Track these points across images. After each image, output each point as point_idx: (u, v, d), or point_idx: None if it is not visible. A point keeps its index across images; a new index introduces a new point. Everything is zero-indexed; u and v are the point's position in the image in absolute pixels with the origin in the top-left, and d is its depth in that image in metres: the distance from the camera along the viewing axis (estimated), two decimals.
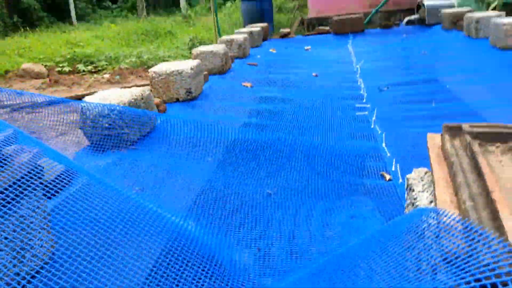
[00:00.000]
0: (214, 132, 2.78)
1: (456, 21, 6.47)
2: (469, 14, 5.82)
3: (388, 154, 2.59)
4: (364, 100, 3.87)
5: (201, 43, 9.77)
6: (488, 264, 0.77)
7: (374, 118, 3.32)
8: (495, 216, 0.90)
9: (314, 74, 5.07)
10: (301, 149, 2.58)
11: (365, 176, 2.29)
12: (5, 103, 2.72)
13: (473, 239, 0.86)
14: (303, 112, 3.62)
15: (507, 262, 0.74)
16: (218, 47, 4.93)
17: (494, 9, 6.45)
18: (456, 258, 0.84)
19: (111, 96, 2.92)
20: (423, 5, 7.46)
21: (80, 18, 17.08)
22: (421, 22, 7.65)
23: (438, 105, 3.61)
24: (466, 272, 0.81)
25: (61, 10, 17.32)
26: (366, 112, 3.51)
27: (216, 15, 8.35)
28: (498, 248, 0.78)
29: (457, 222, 0.94)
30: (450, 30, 6.59)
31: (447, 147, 1.28)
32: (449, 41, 6.12)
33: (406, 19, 7.97)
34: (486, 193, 0.99)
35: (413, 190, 1.29)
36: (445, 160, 1.28)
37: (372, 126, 3.15)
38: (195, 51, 4.88)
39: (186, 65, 3.82)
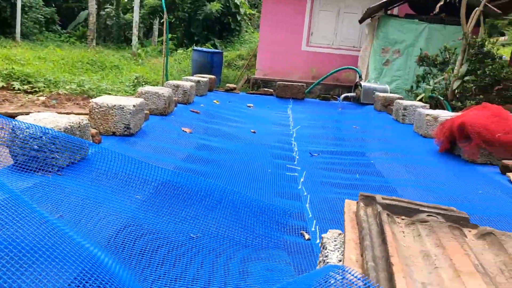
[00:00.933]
0: (145, 170, 2.78)
1: (387, 105, 7.05)
2: (399, 101, 6.38)
3: (310, 215, 2.72)
4: (296, 162, 4.06)
5: (147, 83, 9.81)
6: None
7: (302, 179, 3.49)
8: (390, 277, 1.02)
9: (252, 130, 5.25)
10: (229, 199, 2.65)
11: (286, 233, 2.39)
12: None
13: None
14: (237, 165, 3.72)
15: None
16: (163, 90, 5.00)
17: (421, 100, 7.13)
18: None
19: (47, 119, 2.86)
20: (360, 85, 8.08)
21: (25, 36, 16.54)
22: (356, 100, 8.24)
23: (362, 177, 3.87)
24: None
25: (6, 25, 16.72)
26: (296, 174, 3.68)
27: (167, 59, 8.48)
28: None
29: (358, 279, 1.04)
30: (381, 112, 7.15)
31: (360, 213, 1.41)
32: (379, 122, 6.63)
33: (343, 95, 8.55)
34: (387, 257, 1.11)
35: (326, 249, 1.40)
36: (357, 224, 1.40)
37: (299, 187, 3.31)
38: (141, 89, 4.92)
39: (129, 101, 3.84)
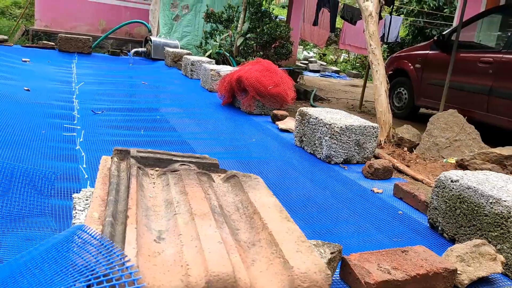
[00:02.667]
0: None
1: (176, 61, 7.09)
2: (187, 56, 6.48)
3: (86, 176, 2.57)
4: (75, 122, 3.77)
5: None
6: (97, 275, 0.84)
7: (80, 139, 3.27)
8: (124, 230, 1.00)
9: (26, 88, 4.66)
10: None
11: (54, 197, 2.21)
12: None
13: (99, 252, 0.93)
14: (4, 128, 3.25)
15: (116, 269, 0.83)
16: None
17: (209, 56, 7.37)
18: (80, 271, 0.89)
19: None
20: (151, 40, 7.91)
21: None
22: (147, 55, 8.07)
23: (154, 132, 3.83)
24: (87, 280, 0.86)
25: None
26: (75, 133, 3.42)
27: None
28: (114, 258, 0.87)
29: (93, 237, 1.00)
30: (172, 67, 7.17)
31: (112, 168, 1.36)
32: (169, 77, 6.64)
33: (133, 50, 8.27)
34: (126, 210, 1.09)
35: (75, 209, 1.32)
36: (108, 180, 1.35)
37: (77, 148, 3.09)
38: None
39: None
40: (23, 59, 6.43)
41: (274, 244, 1.04)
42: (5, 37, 7.71)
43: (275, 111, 4.23)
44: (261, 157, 3.52)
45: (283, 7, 20.03)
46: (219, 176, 1.49)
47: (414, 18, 14.58)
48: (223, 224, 1.11)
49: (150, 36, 8.11)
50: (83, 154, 2.97)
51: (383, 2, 4.88)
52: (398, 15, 13.71)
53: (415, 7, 14.23)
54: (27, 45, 8.13)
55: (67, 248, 1.09)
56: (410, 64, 6.38)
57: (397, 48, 13.26)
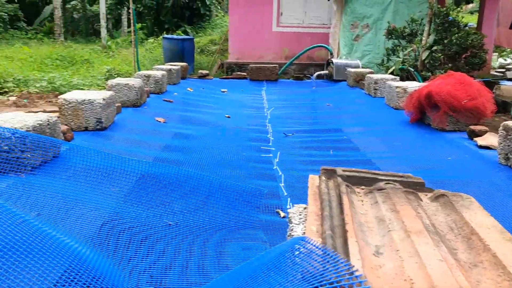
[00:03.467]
0: (121, 163, 2.80)
1: (358, 80, 7.14)
2: (370, 75, 6.48)
3: (285, 193, 2.79)
4: (270, 144, 4.12)
5: (119, 75, 9.68)
6: (332, 281, 0.93)
7: (277, 160, 3.56)
8: (345, 243, 1.08)
9: (227, 115, 5.28)
10: (205, 184, 2.69)
11: (262, 212, 2.46)
12: None
13: (325, 261, 1.03)
14: (212, 151, 3.76)
15: (345, 278, 0.91)
16: (134, 81, 4.97)
17: (392, 73, 7.23)
18: (310, 276, 1.00)
19: (14, 119, 2.84)
20: (332, 62, 8.14)
21: None
22: (329, 77, 8.31)
23: (338, 153, 3.95)
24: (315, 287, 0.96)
25: None
26: (271, 154, 3.74)
27: (137, 49, 8.39)
28: (341, 268, 0.95)
29: (317, 248, 1.10)
30: (354, 87, 7.24)
31: (322, 186, 1.48)
32: (352, 97, 6.72)
33: (316, 73, 8.61)
34: (343, 224, 1.17)
35: (292, 223, 1.46)
36: (319, 197, 1.47)
37: (274, 167, 3.38)
38: (110, 82, 4.88)
39: (99, 95, 3.83)
40: (221, 90, 7.30)
41: (501, 266, 1.00)
42: (207, 71, 8.86)
43: (472, 127, 3.91)
44: (458, 177, 3.28)
45: (471, 13, 18.41)
46: (426, 195, 1.47)
47: None
48: (440, 243, 1.11)
49: (332, 58, 8.36)
50: (280, 173, 3.22)
51: None
52: None
53: None
54: (224, 77, 9.19)
55: (291, 257, 1.22)
56: None
57: None
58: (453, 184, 3.09)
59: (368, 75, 6.57)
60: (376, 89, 6.18)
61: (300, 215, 1.50)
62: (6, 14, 17.82)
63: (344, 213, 1.21)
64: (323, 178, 1.55)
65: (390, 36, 7.62)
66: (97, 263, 1.70)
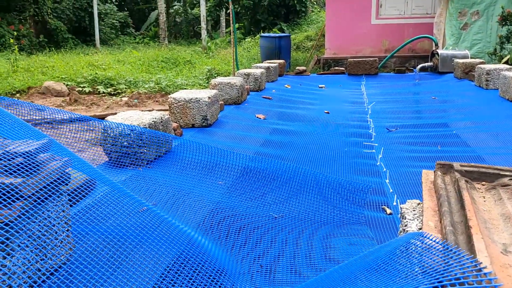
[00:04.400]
0: (226, 157, 2.92)
1: (467, 71, 6.66)
2: (481, 66, 6.01)
3: (391, 190, 2.71)
4: (372, 139, 4.02)
5: (219, 74, 10.10)
6: (457, 276, 0.90)
7: (380, 155, 3.46)
8: (469, 239, 1.03)
9: (326, 111, 5.25)
10: (308, 179, 2.72)
11: (367, 208, 2.41)
12: (26, 117, 2.90)
13: (448, 256, 0.99)
14: (313, 146, 3.77)
15: (472, 274, 0.87)
16: (235, 79, 5.15)
17: (506, 62, 6.64)
18: (433, 270, 0.97)
19: (132, 117, 3.11)
20: (437, 53, 7.69)
21: (103, 42, 17.71)
22: (434, 69, 7.86)
23: (445, 148, 3.74)
24: (439, 282, 0.93)
25: (86, 34, 18.02)
26: (373, 150, 3.65)
27: (236, 49, 8.67)
28: (467, 264, 0.92)
29: (437, 243, 1.07)
30: (462, 79, 6.77)
31: (438, 181, 1.42)
32: (459, 90, 6.30)
33: (420, 66, 8.19)
34: (465, 221, 1.12)
35: (405, 218, 1.42)
36: (435, 193, 1.41)
37: (378, 164, 3.29)
38: (214, 81, 5.11)
39: (204, 94, 4.03)
40: (319, 86, 7.26)
41: None
42: (304, 68, 8.87)
43: None
44: None
45: None
46: None
47: None
48: None
49: (437, 49, 7.90)
50: (384, 169, 3.13)
51: None
52: None
53: None
54: (321, 72, 9.14)
55: (407, 251, 1.20)
56: None
57: None
58: None
59: (478, 65, 6.10)
60: (488, 80, 5.72)
61: (414, 210, 1.46)
62: (117, 22, 19.46)
63: (466, 209, 1.15)
64: (439, 173, 1.48)
65: (504, 23, 6.99)
66: (212, 250, 1.81)
